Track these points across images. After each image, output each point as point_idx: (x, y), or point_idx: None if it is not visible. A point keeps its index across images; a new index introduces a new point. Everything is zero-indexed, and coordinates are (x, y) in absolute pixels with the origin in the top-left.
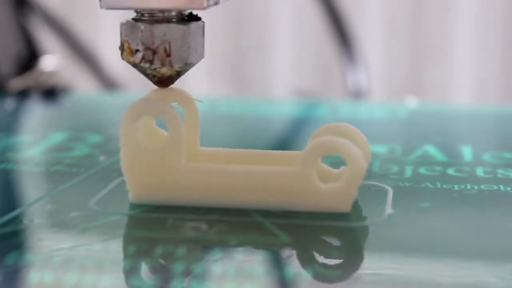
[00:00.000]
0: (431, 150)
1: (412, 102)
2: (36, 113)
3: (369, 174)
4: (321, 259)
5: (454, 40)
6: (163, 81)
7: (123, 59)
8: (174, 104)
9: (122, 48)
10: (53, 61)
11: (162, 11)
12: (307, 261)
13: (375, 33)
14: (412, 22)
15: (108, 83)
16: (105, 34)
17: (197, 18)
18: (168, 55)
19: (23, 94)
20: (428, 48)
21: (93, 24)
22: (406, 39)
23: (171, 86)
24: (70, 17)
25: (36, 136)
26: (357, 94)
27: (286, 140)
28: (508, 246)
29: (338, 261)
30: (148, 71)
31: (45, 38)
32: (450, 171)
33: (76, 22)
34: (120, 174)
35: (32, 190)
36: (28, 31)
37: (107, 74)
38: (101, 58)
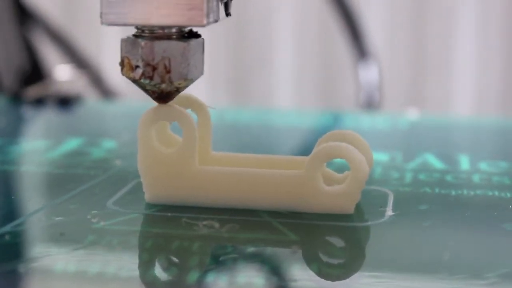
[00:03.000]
0: (430, 158)
1: (413, 114)
2: (51, 120)
3: (371, 180)
4: (325, 256)
5: (455, 53)
6: (163, 97)
7: (123, 75)
8: (188, 110)
9: (122, 64)
10: (66, 71)
11: (163, 27)
12: (312, 258)
13: (377, 45)
14: (413, 35)
15: (109, 95)
16: (107, 47)
17: (197, 35)
18: (168, 71)
19: (38, 102)
20: (429, 61)
21: (96, 37)
22: (408, 52)
23: (185, 93)
24: (72, 31)
25: (52, 141)
26: (369, 105)
27: (291, 148)
28: (501, 244)
29: (341, 259)
30: (148, 87)
31: (48, 51)
32: (448, 177)
33: (79, 35)
34: (135, 176)
35: (52, 191)
36: (31, 44)
37: (108, 87)
38: (103, 71)
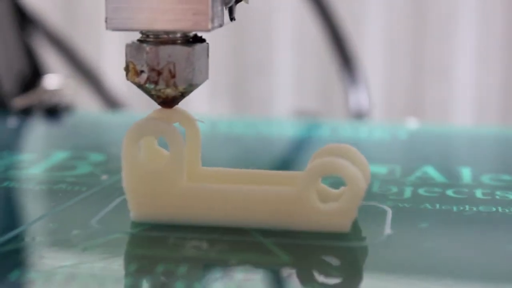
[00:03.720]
0: (431, 171)
1: (412, 123)
2: (38, 131)
3: (369, 195)
4: (320, 278)
5: (455, 62)
6: (168, 102)
7: (128, 79)
8: (176, 124)
9: (127, 69)
10: (56, 80)
11: (167, 32)
12: (306, 280)
13: (376, 54)
14: (413, 44)
15: (110, 102)
16: (107, 53)
17: (201, 40)
18: (173, 76)
19: (26, 112)
20: (429, 69)
21: (96, 43)
22: (407, 61)
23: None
24: (73, 36)
25: (38, 154)
26: (358, 115)
27: (287, 160)
28: (506, 268)
29: (337, 281)
30: (153, 92)
31: (48, 56)
32: (449, 192)
33: (79, 41)
34: (121, 193)
35: (34, 208)
36: (31, 50)
37: (109, 93)
38: (103, 77)
